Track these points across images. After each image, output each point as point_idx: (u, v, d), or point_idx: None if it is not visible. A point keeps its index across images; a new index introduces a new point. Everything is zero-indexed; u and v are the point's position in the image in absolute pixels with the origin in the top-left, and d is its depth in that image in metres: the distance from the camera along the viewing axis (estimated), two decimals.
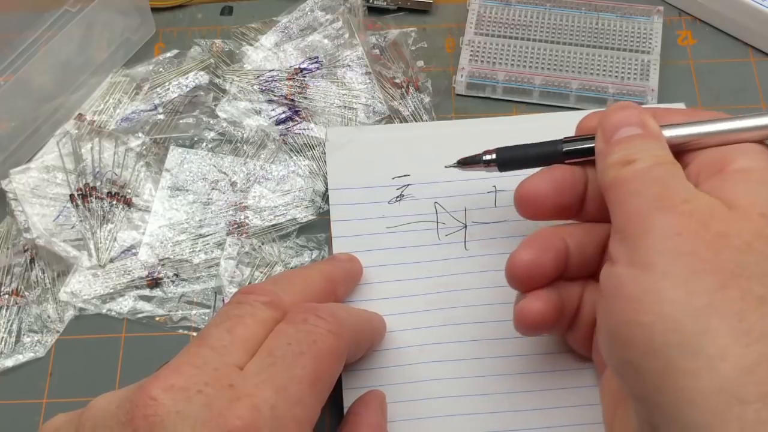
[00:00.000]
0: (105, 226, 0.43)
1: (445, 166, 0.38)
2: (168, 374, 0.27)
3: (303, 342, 0.29)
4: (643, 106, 0.44)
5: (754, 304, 0.25)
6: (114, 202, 0.43)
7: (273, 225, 0.43)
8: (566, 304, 0.34)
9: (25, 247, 0.42)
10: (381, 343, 0.38)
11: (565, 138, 0.34)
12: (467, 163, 0.37)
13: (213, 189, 0.44)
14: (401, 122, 0.45)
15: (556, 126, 0.43)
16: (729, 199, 0.27)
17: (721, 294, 0.25)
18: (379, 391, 0.36)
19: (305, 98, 0.46)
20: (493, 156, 0.36)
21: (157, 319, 0.41)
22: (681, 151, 0.31)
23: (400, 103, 0.46)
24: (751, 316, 0.24)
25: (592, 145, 0.33)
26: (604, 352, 0.28)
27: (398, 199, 0.42)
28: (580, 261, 0.34)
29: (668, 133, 0.31)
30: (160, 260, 0.42)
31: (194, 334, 0.40)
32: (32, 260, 0.42)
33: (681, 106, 0.43)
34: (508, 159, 0.36)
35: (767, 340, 0.24)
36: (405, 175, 0.42)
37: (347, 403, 0.36)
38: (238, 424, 0.26)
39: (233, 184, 0.44)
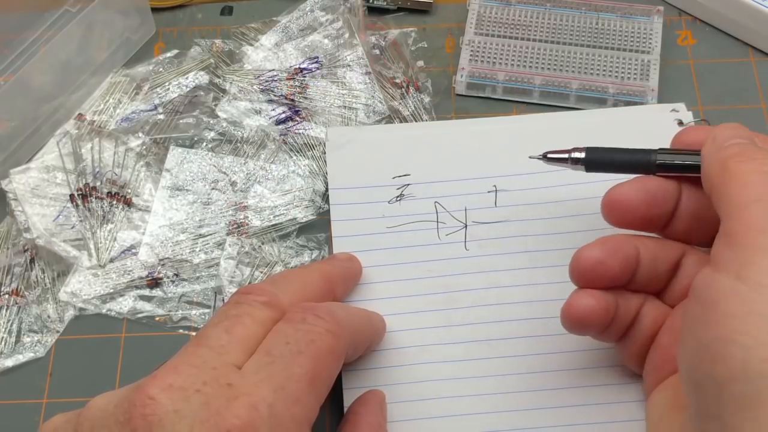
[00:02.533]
0: (105, 226, 0.43)
1: (529, 157, 0.37)
2: (166, 374, 0.27)
3: (301, 341, 0.29)
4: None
5: None
6: (114, 202, 0.43)
7: (273, 225, 0.43)
8: (622, 312, 0.33)
9: (25, 247, 0.42)
10: (381, 343, 0.38)
11: (660, 149, 0.34)
12: (554, 158, 0.36)
13: (213, 189, 0.44)
14: (401, 122, 0.45)
15: (556, 126, 0.44)
16: None
17: None
18: (379, 390, 0.36)
19: (305, 98, 0.46)
20: (582, 155, 0.35)
21: (157, 319, 0.41)
22: None
23: (400, 103, 0.46)
24: None
25: (691, 162, 0.32)
26: (685, 363, 0.27)
27: (398, 198, 0.42)
28: (649, 275, 0.33)
29: None
30: (160, 260, 0.42)
31: (194, 334, 0.40)
32: (32, 260, 0.42)
33: (681, 106, 0.43)
34: (597, 160, 0.35)
35: None
36: (405, 175, 0.42)
37: (347, 402, 0.36)
38: (236, 423, 0.26)
39: (233, 184, 0.44)
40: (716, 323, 0.26)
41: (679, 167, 0.33)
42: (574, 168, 0.36)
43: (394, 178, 0.42)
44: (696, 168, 0.32)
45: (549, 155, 0.36)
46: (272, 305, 0.31)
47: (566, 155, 0.35)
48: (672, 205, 0.33)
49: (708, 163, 0.30)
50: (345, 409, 0.36)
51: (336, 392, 0.36)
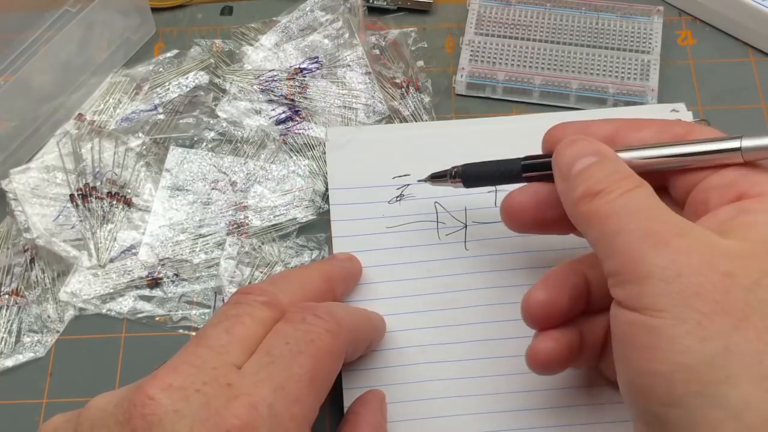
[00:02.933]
0: (105, 226, 0.43)
1: (418, 180, 0.39)
2: (166, 374, 0.27)
3: (301, 341, 0.29)
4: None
5: None
6: (114, 202, 0.43)
7: (273, 225, 0.43)
8: (589, 339, 0.33)
9: (25, 247, 0.42)
10: (381, 343, 0.38)
11: (527, 156, 0.34)
12: (437, 177, 0.38)
13: (213, 189, 0.44)
14: (401, 122, 0.45)
15: None
16: (737, 234, 0.26)
17: (736, 337, 0.24)
18: (379, 390, 0.36)
19: (305, 98, 0.46)
20: (459, 171, 0.37)
21: (157, 319, 0.41)
22: (651, 171, 0.31)
23: (400, 103, 0.46)
24: None
25: (548, 160, 0.33)
26: (626, 400, 0.28)
27: (398, 198, 0.42)
28: (604, 292, 0.32)
29: (626, 155, 0.31)
30: (160, 260, 0.42)
31: (194, 334, 0.40)
32: (32, 260, 0.42)
33: (681, 105, 0.43)
34: (472, 175, 0.36)
35: None
36: (405, 175, 0.42)
37: (347, 402, 0.36)
38: (236, 423, 0.26)
39: (233, 184, 0.44)
40: (634, 359, 0.26)
41: (539, 166, 0.34)
42: (455, 186, 0.37)
43: (394, 178, 0.42)
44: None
45: (433, 175, 0.38)
46: (272, 305, 0.31)
47: (446, 173, 0.37)
48: None
49: (565, 206, 0.31)
50: (345, 409, 0.36)
51: (336, 392, 0.36)
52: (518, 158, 0.35)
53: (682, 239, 0.26)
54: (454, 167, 0.37)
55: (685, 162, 0.30)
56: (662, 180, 0.32)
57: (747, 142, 0.29)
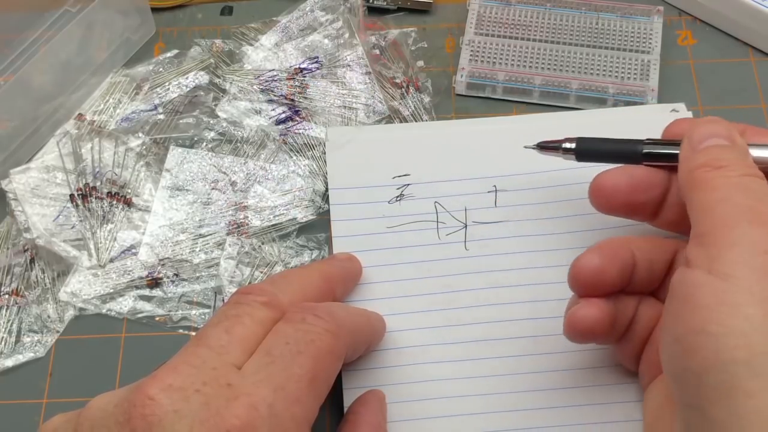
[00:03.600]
0: (105, 226, 0.43)
1: (524, 146, 0.38)
2: (166, 374, 0.27)
3: (301, 341, 0.29)
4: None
5: None
6: (114, 202, 0.43)
7: (273, 225, 0.43)
8: (620, 316, 0.33)
9: (25, 247, 0.42)
10: (381, 344, 0.38)
11: (648, 139, 0.34)
12: (547, 147, 0.37)
13: (213, 189, 0.44)
14: (401, 122, 0.45)
15: (556, 126, 0.44)
16: None
17: None
18: (379, 390, 0.36)
19: (305, 98, 0.46)
20: (573, 145, 0.36)
21: (157, 319, 0.41)
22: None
23: (400, 103, 0.46)
24: None
25: (675, 151, 0.33)
26: (665, 357, 0.28)
27: (398, 198, 0.42)
28: (646, 276, 0.33)
29: (756, 153, 0.31)
30: (160, 260, 0.42)
31: (194, 334, 0.40)
32: (32, 260, 0.42)
33: (681, 105, 0.43)
34: (587, 150, 0.36)
35: None
36: (405, 175, 0.42)
37: (347, 402, 0.36)
38: (235, 423, 0.26)
39: (233, 184, 0.44)
40: (689, 316, 0.26)
41: (665, 157, 0.34)
42: (566, 157, 0.36)
43: (394, 178, 0.42)
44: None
45: (542, 144, 0.37)
46: (272, 305, 0.31)
47: (558, 145, 0.36)
48: (658, 193, 0.34)
49: (681, 171, 0.31)
50: (345, 409, 0.36)
51: (336, 392, 0.36)
52: (639, 140, 0.34)
53: None
54: (566, 138, 0.36)
55: None
56: None
57: None
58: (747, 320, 0.25)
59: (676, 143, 0.33)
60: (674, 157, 0.33)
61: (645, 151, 0.34)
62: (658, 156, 0.34)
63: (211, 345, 0.29)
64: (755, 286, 0.25)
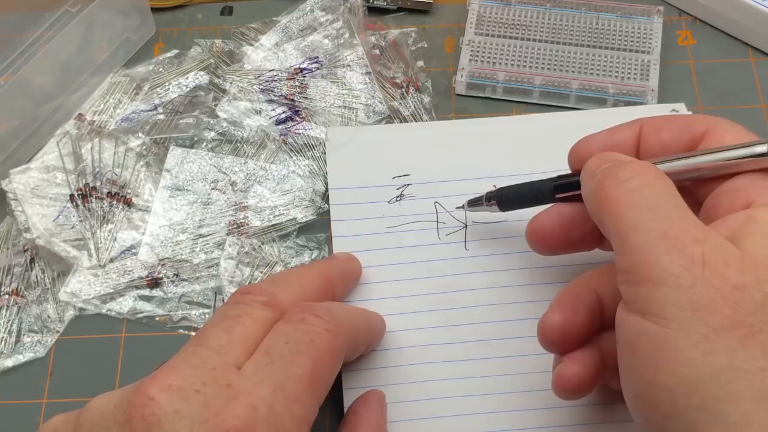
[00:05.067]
0: (105, 226, 0.42)
1: (456, 208, 0.40)
2: (166, 374, 0.27)
3: (300, 341, 0.29)
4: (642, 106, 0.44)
5: None
6: (114, 202, 0.43)
7: (273, 225, 0.43)
8: (607, 355, 0.32)
9: (25, 247, 0.42)
10: (380, 343, 0.38)
11: (558, 176, 0.35)
12: (472, 203, 0.38)
13: (213, 189, 0.44)
14: (401, 122, 0.45)
15: (556, 126, 0.44)
16: (748, 244, 0.26)
17: (741, 353, 0.24)
18: (379, 390, 0.36)
19: (305, 98, 0.46)
20: (494, 195, 0.37)
21: (157, 319, 0.41)
22: (685, 180, 0.30)
23: (400, 103, 0.46)
24: None
25: (578, 179, 0.32)
26: (631, 409, 0.27)
27: (398, 198, 0.42)
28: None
29: (661, 167, 0.30)
30: (160, 260, 0.42)
31: (194, 334, 0.40)
32: (32, 260, 0.42)
33: (681, 105, 0.43)
34: (507, 199, 0.37)
35: None
36: (405, 175, 0.42)
37: (347, 402, 0.36)
38: (235, 423, 0.26)
39: (233, 184, 0.44)
40: (638, 367, 0.26)
41: (572, 185, 0.34)
42: (492, 210, 0.38)
43: (394, 178, 0.42)
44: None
45: (469, 201, 0.39)
46: (271, 305, 0.31)
47: (480, 199, 0.38)
48: (592, 224, 0.32)
49: (585, 196, 0.31)
50: (345, 409, 0.36)
51: (336, 392, 0.36)
52: (550, 179, 0.35)
53: (698, 246, 0.25)
54: (488, 192, 0.37)
55: (709, 171, 0.30)
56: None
57: None
58: (692, 366, 0.24)
59: (578, 174, 0.33)
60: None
61: (555, 184, 0.34)
62: (568, 187, 0.34)
63: (211, 345, 0.29)
64: (690, 325, 0.24)
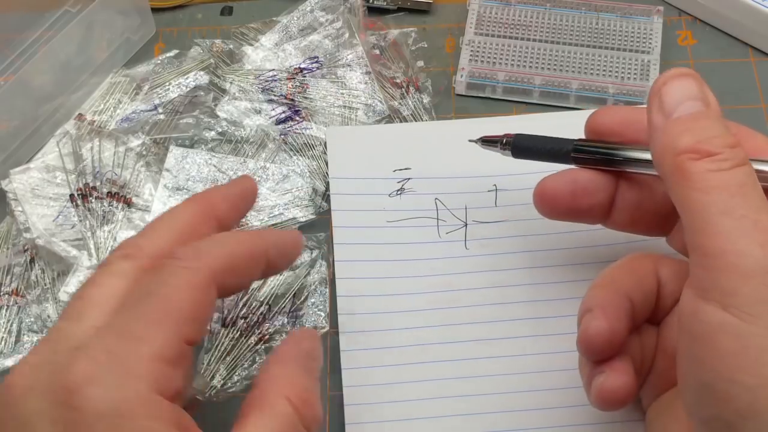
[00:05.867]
0: (105, 226, 0.42)
1: (469, 140, 0.38)
2: (28, 357, 0.28)
3: (151, 283, 0.28)
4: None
5: None
6: (114, 202, 0.43)
7: (273, 225, 0.43)
8: (640, 359, 0.31)
9: (25, 247, 0.42)
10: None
11: (580, 139, 0.34)
12: (487, 141, 0.37)
13: None
14: (401, 122, 0.45)
15: (555, 126, 0.43)
16: None
17: None
18: (310, 329, 0.34)
19: (305, 98, 0.46)
20: (510, 139, 0.36)
21: None
22: None
23: (400, 103, 0.46)
24: None
25: (607, 156, 0.32)
26: (690, 401, 0.26)
27: (399, 192, 0.42)
28: (644, 313, 0.31)
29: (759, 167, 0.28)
30: None
31: None
32: (32, 260, 0.42)
33: None
34: (523, 146, 0.36)
35: None
36: (406, 168, 0.42)
37: (347, 401, 0.36)
38: (74, 379, 0.26)
39: None
40: (714, 362, 0.25)
41: (591, 154, 0.33)
42: (504, 152, 0.36)
43: (394, 171, 0.42)
44: (612, 162, 0.32)
45: (484, 138, 0.37)
46: (132, 256, 0.30)
47: (498, 140, 0.37)
48: (604, 197, 0.32)
49: (658, 152, 0.28)
50: (345, 409, 0.36)
51: (335, 393, 0.36)
52: (572, 139, 0.34)
53: None
54: (506, 134, 0.36)
55: None
56: None
57: None
58: None
59: (606, 145, 0.33)
60: (606, 161, 0.32)
61: (574, 147, 0.33)
62: (587, 153, 0.33)
63: (70, 315, 0.29)
64: None
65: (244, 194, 0.35)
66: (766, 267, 0.24)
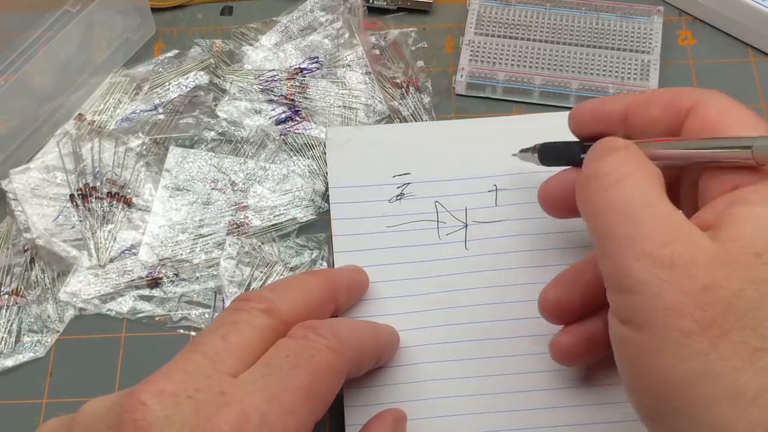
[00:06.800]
0: (105, 226, 0.42)
1: (512, 155, 0.39)
2: (159, 379, 0.27)
3: (301, 355, 0.29)
4: None
5: (747, 359, 0.24)
6: (114, 202, 0.43)
7: (273, 225, 0.43)
8: (601, 331, 0.33)
9: (25, 247, 0.42)
10: (395, 359, 0.38)
11: (579, 141, 0.35)
12: (523, 151, 0.38)
13: (213, 189, 0.44)
14: (401, 122, 0.45)
15: (555, 126, 0.43)
16: (726, 233, 0.26)
17: (714, 355, 0.24)
18: (400, 410, 0.36)
19: (305, 98, 0.46)
20: (538, 148, 0.37)
21: (157, 318, 0.41)
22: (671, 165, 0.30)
23: (400, 103, 0.46)
24: (745, 374, 0.24)
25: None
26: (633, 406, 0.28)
27: (399, 197, 0.42)
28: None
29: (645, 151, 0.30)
30: (160, 260, 0.42)
31: (194, 333, 0.40)
32: (32, 260, 0.42)
33: None
34: (547, 155, 0.36)
35: (762, 400, 0.23)
36: (405, 174, 0.42)
37: (347, 401, 0.36)
38: (225, 429, 0.26)
39: (233, 184, 0.44)
40: (626, 372, 0.27)
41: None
42: (536, 162, 0.37)
43: (394, 176, 0.42)
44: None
45: (521, 151, 0.38)
46: (270, 312, 0.31)
47: (529, 149, 0.37)
48: None
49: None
50: (345, 409, 0.36)
51: (337, 402, 0.36)
52: (580, 141, 0.35)
53: (666, 248, 0.25)
54: (536, 144, 0.37)
55: (694, 158, 0.29)
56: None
57: (760, 142, 0.27)
58: (669, 371, 0.25)
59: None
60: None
61: (584, 145, 0.34)
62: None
63: (206, 352, 0.29)
64: (663, 331, 0.25)
65: (360, 288, 0.39)
66: (643, 279, 0.25)
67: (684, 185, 0.33)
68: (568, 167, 0.35)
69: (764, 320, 0.24)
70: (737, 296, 0.24)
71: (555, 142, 0.36)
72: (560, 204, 0.35)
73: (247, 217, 0.43)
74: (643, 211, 0.26)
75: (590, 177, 0.29)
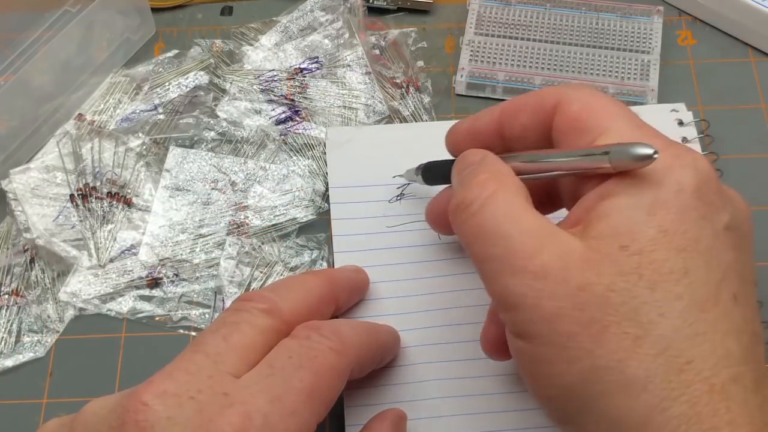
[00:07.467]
0: (105, 226, 0.42)
1: (393, 177, 0.40)
2: (161, 380, 0.27)
3: (304, 356, 0.29)
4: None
5: (630, 349, 0.24)
6: (114, 202, 0.43)
7: (273, 225, 0.43)
8: None
9: (25, 247, 0.42)
10: (395, 359, 0.38)
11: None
12: (407, 173, 0.39)
13: (213, 189, 0.44)
14: (401, 122, 0.45)
15: None
16: (595, 229, 0.26)
17: (599, 351, 0.25)
18: (400, 409, 0.36)
19: (305, 98, 0.46)
20: (421, 168, 0.38)
21: (157, 319, 0.41)
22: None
23: (400, 103, 0.46)
24: (632, 364, 0.24)
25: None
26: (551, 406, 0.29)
27: (399, 198, 0.42)
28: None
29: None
30: (160, 260, 0.42)
31: (194, 334, 0.40)
32: (32, 260, 0.42)
33: (681, 106, 0.43)
34: (429, 174, 0.37)
35: (652, 385, 0.24)
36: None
37: (347, 400, 0.36)
38: (227, 430, 0.26)
39: (233, 184, 0.44)
40: (528, 384, 0.28)
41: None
42: (419, 182, 0.38)
43: (394, 177, 0.42)
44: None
45: (407, 171, 0.39)
46: (272, 312, 0.31)
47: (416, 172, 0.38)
48: None
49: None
50: (344, 408, 0.36)
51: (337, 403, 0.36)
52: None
53: (537, 259, 0.26)
54: (420, 164, 0.38)
55: (557, 169, 0.29)
56: None
57: (617, 149, 0.26)
58: (563, 376, 0.25)
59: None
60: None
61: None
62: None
63: (208, 352, 0.29)
64: (549, 339, 0.25)
65: (361, 288, 0.39)
66: (520, 294, 0.26)
67: (563, 186, 0.32)
68: (450, 185, 0.34)
69: (639, 309, 0.24)
70: (611, 290, 0.25)
71: (436, 162, 0.36)
72: (446, 222, 0.34)
73: (247, 217, 0.43)
74: (510, 228, 0.27)
75: (458, 206, 0.29)
